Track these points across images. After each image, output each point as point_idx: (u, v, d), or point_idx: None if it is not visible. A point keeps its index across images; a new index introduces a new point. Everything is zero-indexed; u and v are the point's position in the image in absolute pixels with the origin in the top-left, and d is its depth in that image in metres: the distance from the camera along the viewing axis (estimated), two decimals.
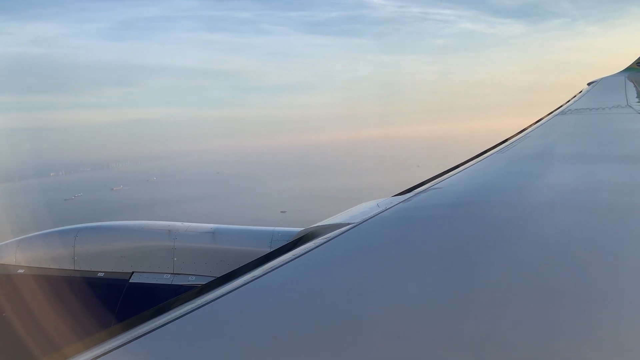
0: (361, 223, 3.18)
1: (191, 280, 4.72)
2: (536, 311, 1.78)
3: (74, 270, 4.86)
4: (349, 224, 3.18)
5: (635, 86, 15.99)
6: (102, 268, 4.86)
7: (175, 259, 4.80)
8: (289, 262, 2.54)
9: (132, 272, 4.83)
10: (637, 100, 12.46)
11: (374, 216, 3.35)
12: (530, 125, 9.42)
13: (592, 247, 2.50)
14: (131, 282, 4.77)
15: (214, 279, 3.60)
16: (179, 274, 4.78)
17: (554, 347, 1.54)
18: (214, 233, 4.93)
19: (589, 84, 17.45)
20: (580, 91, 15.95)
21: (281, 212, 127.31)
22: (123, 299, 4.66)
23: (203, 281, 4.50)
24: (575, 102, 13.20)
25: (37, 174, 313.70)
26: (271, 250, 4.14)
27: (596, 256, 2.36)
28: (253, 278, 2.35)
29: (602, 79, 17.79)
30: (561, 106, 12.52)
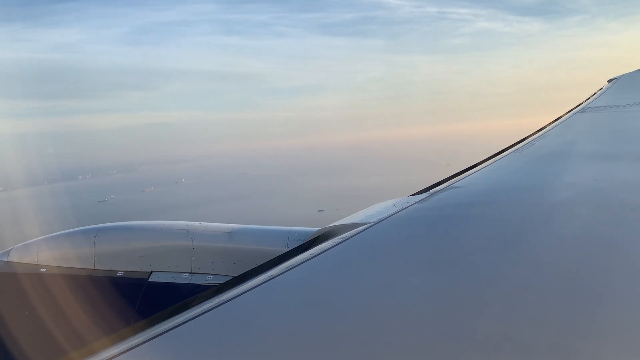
0: (377, 223, 3.18)
1: (209, 280, 4.75)
2: (556, 312, 1.76)
3: (94, 269, 4.92)
4: (365, 223, 3.18)
5: None
6: (121, 267, 4.92)
7: (193, 258, 4.83)
8: (305, 261, 2.54)
9: (151, 272, 4.87)
10: None
11: (390, 216, 3.34)
12: (549, 124, 9.21)
13: (612, 246, 2.46)
14: (150, 281, 4.81)
15: (231, 278, 3.59)
16: (197, 273, 4.81)
17: (575, 348, 1.53)
18: (231, 233, 4.96)
19: (609, 81, 16.59)
20: (601, 88, 15.27)
21: (318, 211, 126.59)
22: (142, 298, 4.69)
23: (220, 280, 4.55)
24: (595, 99, 12.72)
25: (64, 177, 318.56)
26: (288, 249, 4.15)
27: (617, 256, 2.33)
28: (270, 277, 2.36)
29: (623, 75, 16.93)
30: (581, 104, 12.11)
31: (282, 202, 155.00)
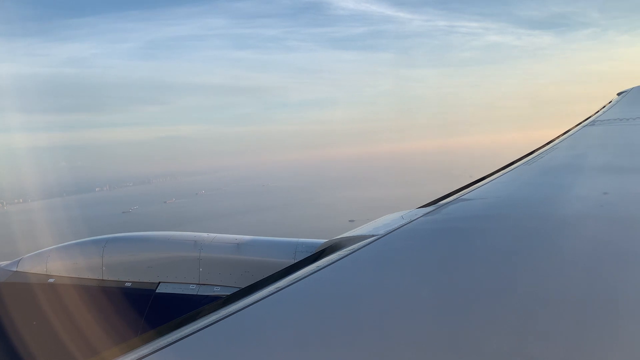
0: (385, 235, 3.18)
1: (216, 291, 4.74)
2: (566, 325, 1.75)
3: (102, 280, 4.93)
4: (373, 235, 3.20)
5: None
6: (129, 278, 4.92)
7: (201, 269, 4.83)
8: (312, 273, 2.55)
9: (159, 282, 4.86)
10: None
11: (398, 228, 3.34)
12: (559, 137, 9.18)
13: (622, 260, 2.45)
14: (157, 292, 4.80)
15: (238, 289, 3.63)
16: (204, 284, 4.81)
17: None
18: (238, 244, 4.96)
19: (618, 94, 16.53)
20: (610, 101, 15.27)
21: (349, 221, 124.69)
22: (150, 309, 4.69)
23: (228, 292, 4.53)
24: (604, 112, 12.69)
25: (82, 189, 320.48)
26: (295, 261, 4.14)
27: (627, 270, 2.31)
28: (277, 289, 2.35)
29: (632, 88, 16.95)
30: (590, 117, 12.11)
31: (309, 213, 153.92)
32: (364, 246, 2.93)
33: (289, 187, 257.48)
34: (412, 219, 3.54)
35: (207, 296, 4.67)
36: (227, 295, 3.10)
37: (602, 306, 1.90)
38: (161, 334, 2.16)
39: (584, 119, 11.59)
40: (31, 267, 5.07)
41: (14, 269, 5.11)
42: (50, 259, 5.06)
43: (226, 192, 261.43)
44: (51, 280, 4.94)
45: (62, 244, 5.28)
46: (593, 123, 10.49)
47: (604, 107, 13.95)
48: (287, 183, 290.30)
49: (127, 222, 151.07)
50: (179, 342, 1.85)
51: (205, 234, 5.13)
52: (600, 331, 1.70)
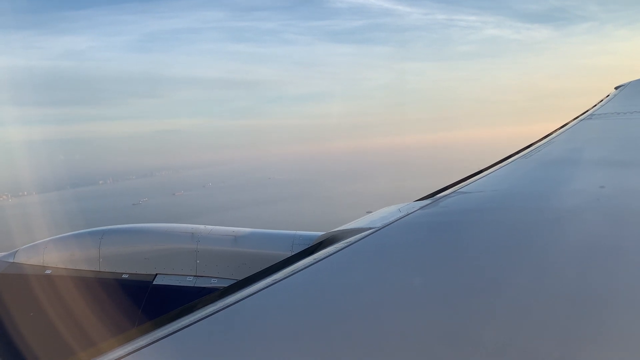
0: (382, 228, 3.20)
1: (213, 283, 4.77)
2: (561, 318, 1.75)
3: (99, 271, 4.95)
4: (370, 228, 3.21)
5: None
6: (126, 270, 4.94)
7: (198, 261, 4.86)
8: (310, 265, 2.56)
9: (156, 274, 4.89)
10: None
11: (395, 221, 3.36)
12: (556, 130, 9.22)
13: (618, 253, 2.46)
14: (154, 284, 4.84)
15: (235, 281, 3.63)
16: (201, 276, 4.84)
17: (580, 354, 1.53)
18: (236, 236, 4.99)
19: (616, 88, 16.58)
20: (608, 95, 15.34)
21: (367, 212, 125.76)
22: (146, 301, 4.71)
23: (225, 284, 4.58)
24: (602, 106, 12.73)
25: (85, 182, 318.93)
26: (292, 253, 4.17)
27: (622, 263, 2.32)
28: (274, 281, 2.37)
29: (630, 82, 16.96)
30: (588, 111, 12.13)
31: (321, 206, 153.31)
32: (361, 239, 2.97)
33: (295, 180, 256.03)
34: (410, 211, 3.59)
35: (204, 288, 4.72)
36: (224, 287, 3.20)
37: (598, 299, 1.90)
38: (158, 325, 2.17)
39: (581, 113, 11.67)
40: (28, 258, 5.09)
41: (11, 260, 5.13)
42: (47, 250, 5.08)
43: (232, 185, 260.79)
44: (48, 271, 4.97)
45: (59, 236, 5.31)
46: (590, 117, 10.57)
47: (602, 100, 14.01)
48: (291, 176, 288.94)
49: (139, 214, 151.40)
50: (176, 333, 1.85)
51: (202, 226, 5.17)
52: (596, 325, 1.70)
